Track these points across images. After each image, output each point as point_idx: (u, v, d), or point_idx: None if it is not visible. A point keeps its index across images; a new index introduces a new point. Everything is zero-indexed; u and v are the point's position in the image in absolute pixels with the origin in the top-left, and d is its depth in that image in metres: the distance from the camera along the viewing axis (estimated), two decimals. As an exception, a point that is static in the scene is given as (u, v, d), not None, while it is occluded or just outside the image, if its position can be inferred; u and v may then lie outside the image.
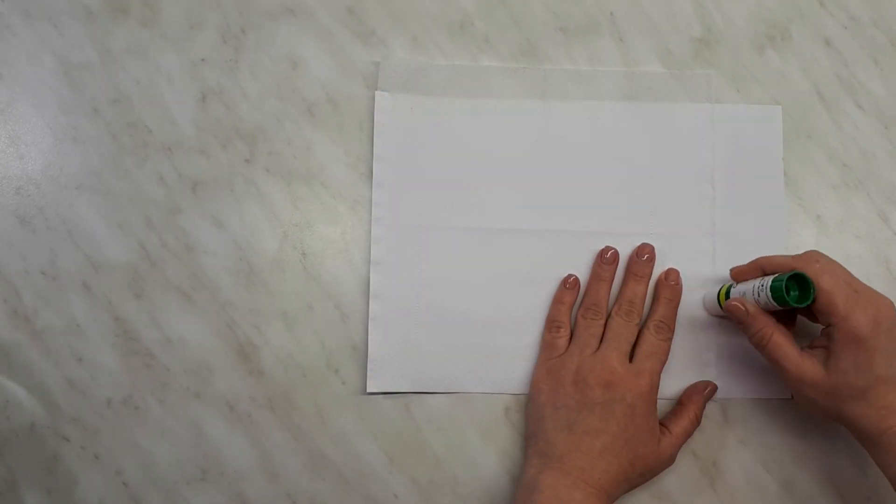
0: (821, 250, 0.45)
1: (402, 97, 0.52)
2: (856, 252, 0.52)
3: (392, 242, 0.50)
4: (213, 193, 0.51)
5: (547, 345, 0.49)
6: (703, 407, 0.48)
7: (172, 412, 0.49)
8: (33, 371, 0.48)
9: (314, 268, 0.50)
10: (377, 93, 0.52)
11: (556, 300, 0.50)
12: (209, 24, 0.52)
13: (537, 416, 0.47)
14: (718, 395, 0.49)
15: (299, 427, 0.49)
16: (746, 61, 0.53)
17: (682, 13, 0.54)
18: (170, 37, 0.52)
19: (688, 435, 0.47)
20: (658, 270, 0.50)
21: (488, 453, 0.49)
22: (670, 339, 0.48)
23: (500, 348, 0.50)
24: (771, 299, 0.43)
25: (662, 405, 0.49)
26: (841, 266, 0.43)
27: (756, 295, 0.44)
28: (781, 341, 0.43)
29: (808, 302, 0.42)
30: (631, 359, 0.47)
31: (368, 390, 0.49)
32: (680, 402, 0.49)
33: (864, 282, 0.43)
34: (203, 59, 0.52)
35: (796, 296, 0.42)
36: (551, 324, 0.49)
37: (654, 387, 0.46)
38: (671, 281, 0.50)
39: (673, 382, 0.49)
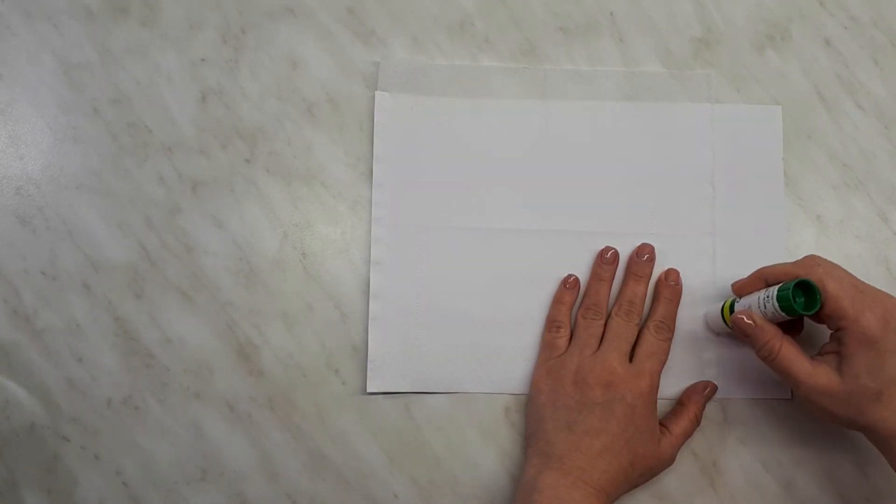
0: (821, 251, 0.45)
1: (402, 97, 0.52)
2: (856, 252, 0.52)
3: (392, 242, 0.50)
4: (213, 193, 0.51)
5: (547, 345, 0.49)
6: (703, 407, 0.48)
7: (172, 412, 0.49)
8: (33, 371, 0.48)
9: (314, 268, 0.50)
10: (377, 93, 0.52)
11: (556, 300, 0.50)
12: (209, 24, 0.52)
13: (537, 416, 0.47)
14: (718, 395, 0.49)
15: (299, 427, 0.49)
16: (746, 61, 0.53)
17: (682, 13, 0.54)
18: (170, 37, 0.52)
19: (688, 435, 0.47)
20: (658, 270, 0.50)
21: (488, 453, 0.49)
22: (670, 339, 0.48)
23: (500, 348, 0.50)
24: (778, 309, 0.42)
25: (662, 405, 0.49)
26: (842, 268, 0.43)
27: (762, 306, 0.44)
28: (791, 352, 0.43)
29: (816, 308, 0.41)
30: (631, 359, 0.47)
31: (368, 390, 0.49)
32: (680, 403, 0.49)
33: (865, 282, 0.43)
34: (203, 59, 0.52)
35: (803, 303, 0.42)
36: (551, 324, 0.49)
37: (654, 387, 0.46)
38: (671, 281, 0.50)
39: (673, 382, 0.49)
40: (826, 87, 0.53)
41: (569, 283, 0.50)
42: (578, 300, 0.50)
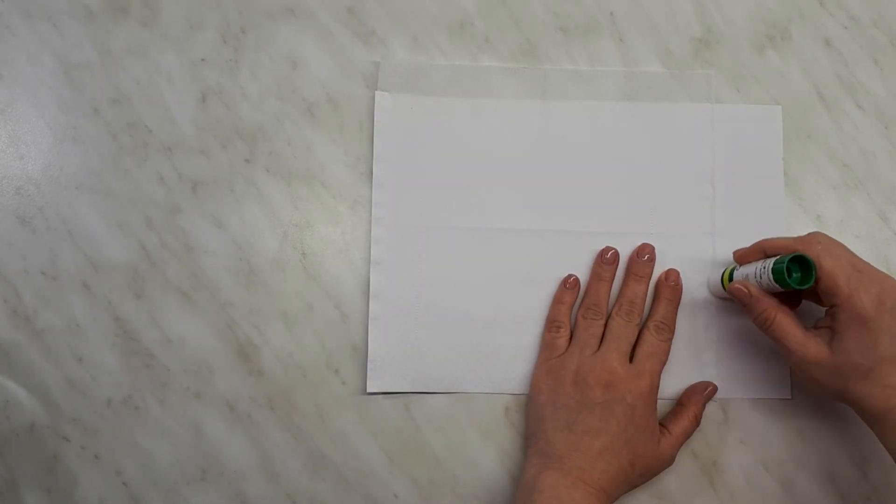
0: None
1: (402, 97, 0.52)
2: (856, 252, 0.51)
3: (392, 242, 0.50)
4: (213, 193, 0.51)
5: (547, 345, 0.49)
6: (703, 407, 0.48)
7: (172, 412, 0.49)
8: (33, 371, 0.48)
9: (314, 268, 0.50)
10: (377, 93, 0.52)
11: (556, 300, 0.50)
12: (209, 24, 0.52)
13: (537, 416, 0.47)
14: (718, 395, 0.49)
15: (299, 427, 0.49)
16: (746, 61, 0.53)
17: (682, 13, 0.54)
18: (170, 37, 0.52)
19: (687, 435, 0.47)
20: (658, 270, 0.50)
21: (488, 453, 0.49)
22: (670, 339, 0.48)
23: (500, 348, 0.50)
24: (773, 281, 0.43)
25: (662, 405, 0.49)
26: (844, 247, 0.43)
27: (758, 277, 0.44)
28: (785, 322, 0.43)
29: (810, 283, 0.42)
30: (631, 359, 0.47)
31: (368, 390, 0.49)
32: (680, 403, 0.49)
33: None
34: (203, 59, 0.52)
35: (798, 277, 0.42)
36: (551, 324, 0.49)
37: (654, 387, 0.46)
38: (671, 281, 0.50)
39: (673, 382, 0.49)
40: (826, 87, 0.53)
41: (569, 283, 0.50)
42: (578, 300, 0.50)
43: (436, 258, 0.50)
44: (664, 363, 0.47)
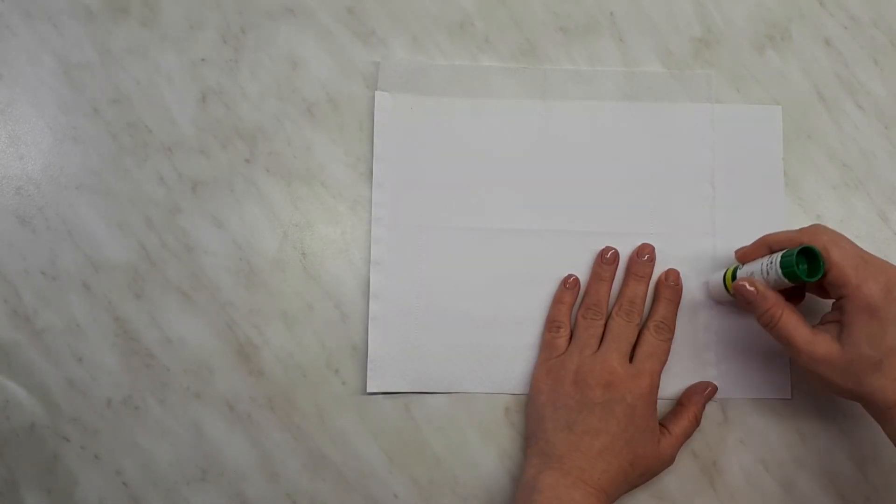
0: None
1: (402, 97, 0.52)
2: (856, 252, 0.52)
3: (392, 242, 0.50)
4: (213, 193, 0.51)
5: (547, 345, 0.49)
6: (703, 407, 0.48)
7: (172, 412, 0.49)
8: (33, 371, 0.48)
9: (314, 268, 0.50)
10: (377, 93, 0.52)
11: (556, 300, 0.50)
12: (209, 24, 0.52)
13: (537, 416, 0.47)
14: (718, 395, 0.49)
15: (299, 427, 0.49)
16: (746, 61, 0.53)
17: (682, 13, 0.54)
18: (170, 37, 0.52)
19: (687, 435, 0.47)
20: (658, 270, 0.50)
21: (488, 453, 0.49)
22: (670, 339, 0.48)
23: (500, 348, 0.50)
24: (781, 276, 0.42)
25: (662, 405, 0.49)
26: (847, 238, 0.43)
27: (765, 273, 0.44)
28: (792, 320, 0.43)
29: (819, 275, 0.41)
30: (631, 359, 0.47)
31: (368, 390, 0.49)
32: (680, 403, 0.49)
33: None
34: (203, 59, 0.52)
35: (806, 269, 0.42)
36: (551, 324, 0.49)
37: (654, 387, 0.46)
38: (671, 281, 0.50)
39: (673, 382, 0.49)
40: (826, 87, 0.53)
41: (569, 283, 0.50)
42: (578, 300, 0.50)
43: (436, 258, 0.50)
44: (664, 363, 0.47)
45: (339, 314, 0.50)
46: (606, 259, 0.50)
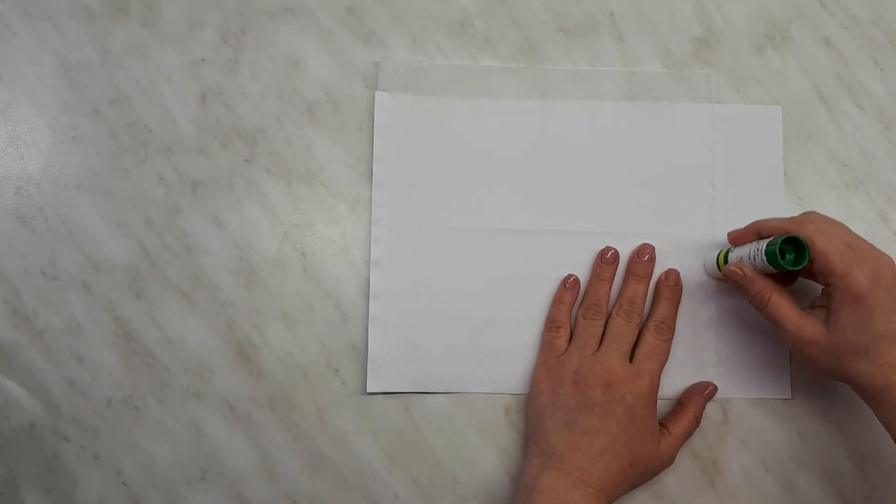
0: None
1: (402, 97, 0.52)
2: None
3: (392, 242, 0.50)
4: (213, 193, 0.51)
5: (547, 345, 0.49)
6: (703, 407, 0.48)
7: (172, 412, 0.49)
8: (33, 371, 0.48)
9: (314, 268, 0.50)
10: (377, 93, 0.52)
11: (556, 300, 0.50)
12: (209, 24, 0.52)
13: (537, 416, 0.47)
14: (718, 395, 0.49)
15: (299, 427, 0.49)
16: (746, 61, 0.53)
17: (682, 13, 0.54)
18: (170, 37, 0.52)
19: (687, 435, 0.47)
20: (658, 270, 0.50)
21: (488, 453, 0.49)
22: (670, 339, 0.48)
23: (500, 348, 0.50)
24: (766, 263, 0.43)
25: (662, 405, 0.49)
26: (840, 225, 0.43)
27: (752, 259, 0.45)
28: (780, 302, 0.43)
29: (803, 265, 0.42)
30: (631, 359, 0.47)
31: (368, 390, 0.49)
32: (680, 403, 0.49)
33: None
34: (203, 59, 0.52)
35: (791, 259, 0.43)
36: (551, 324, 0.49)
37: (654, 387, 0.46)
38: (671, 281, 0.50)
39: (673, 382, 0.49)
40: (826, 87, 0.53)
41: (569, 283, 0.50)
42: (578, 300, 0.50)
43: (436, 258, 0.50)
44: (664, 363, 0.47)
45: (339, 314, 0.50)
46: (606, 259, 0.50)
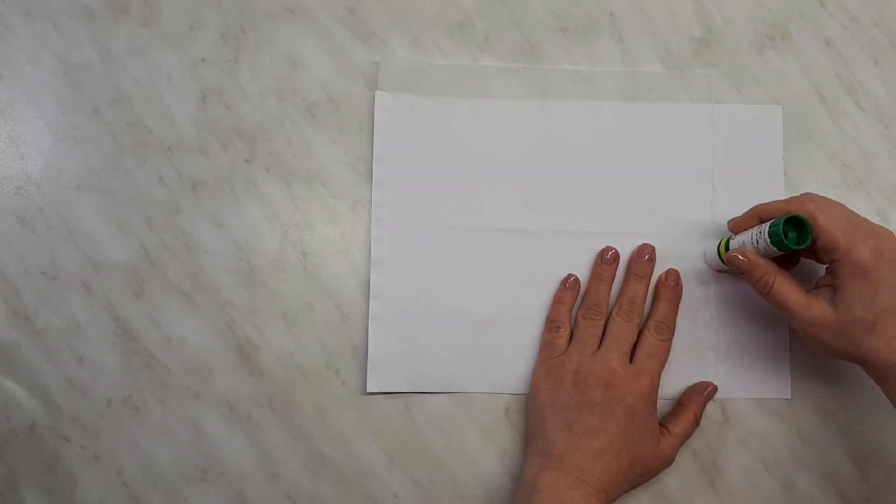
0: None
1: (402, 97, 0.52)
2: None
3: (392, 242, 0.50)
4: (213, 193, 0.51)
5: (547, 345, 0.49)
6: (703, 408, 0.48)
7: (172, 412, 0.49)
8: (33, 371, 0.48)
9: (314, 268, 0.50)
10: (377, 93, 0.52)
11: (556, 300, 0.50)
12: (209, 24, 0.52)
13: (537, 416, 0.47)
14: (718, 395, 0.49)
15: (299, 427, 0.49)
16: (746, 61, 0.53)
17: (682, 13, 0.54)
18: (170, 37, 0.52)
19: (687, 435, 0.47)
20: (658, 270, 0.50)
21: (488, 453, 0.49)
22: (670, 339, 0.48)
23: (500, 348, 0.50)
24: (770, 245, 0.43)
25: (662, 405, 0.49)
26: (838, 203, 0.43)
27: (755, 243, 0.44)
28: (785, 285, 0.43)
29: (807, 243, 0.42)
30: (631, 359, 0.47)
31: (368, 390, 0.49)
32: (680, 403, 0.49)
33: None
34: (203, 59, 0.52)
35: (795, 238, 0.43)
36: (551, 324, 0.49)
37: (654, 387, 0.46)
38: (671, 281, 0.50)
39: (673, 382, 0.49)
40: (826, 87, 0.53)
41: (569, 283, 0.50)
42: (578, 300, 0.50)
43: (436, 258, 0.50)
44: (664, 363, 0.47)
45: (339, 314, 0.50)
46: (606, 259, 0.50)
